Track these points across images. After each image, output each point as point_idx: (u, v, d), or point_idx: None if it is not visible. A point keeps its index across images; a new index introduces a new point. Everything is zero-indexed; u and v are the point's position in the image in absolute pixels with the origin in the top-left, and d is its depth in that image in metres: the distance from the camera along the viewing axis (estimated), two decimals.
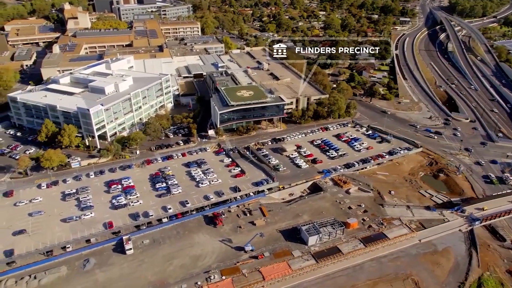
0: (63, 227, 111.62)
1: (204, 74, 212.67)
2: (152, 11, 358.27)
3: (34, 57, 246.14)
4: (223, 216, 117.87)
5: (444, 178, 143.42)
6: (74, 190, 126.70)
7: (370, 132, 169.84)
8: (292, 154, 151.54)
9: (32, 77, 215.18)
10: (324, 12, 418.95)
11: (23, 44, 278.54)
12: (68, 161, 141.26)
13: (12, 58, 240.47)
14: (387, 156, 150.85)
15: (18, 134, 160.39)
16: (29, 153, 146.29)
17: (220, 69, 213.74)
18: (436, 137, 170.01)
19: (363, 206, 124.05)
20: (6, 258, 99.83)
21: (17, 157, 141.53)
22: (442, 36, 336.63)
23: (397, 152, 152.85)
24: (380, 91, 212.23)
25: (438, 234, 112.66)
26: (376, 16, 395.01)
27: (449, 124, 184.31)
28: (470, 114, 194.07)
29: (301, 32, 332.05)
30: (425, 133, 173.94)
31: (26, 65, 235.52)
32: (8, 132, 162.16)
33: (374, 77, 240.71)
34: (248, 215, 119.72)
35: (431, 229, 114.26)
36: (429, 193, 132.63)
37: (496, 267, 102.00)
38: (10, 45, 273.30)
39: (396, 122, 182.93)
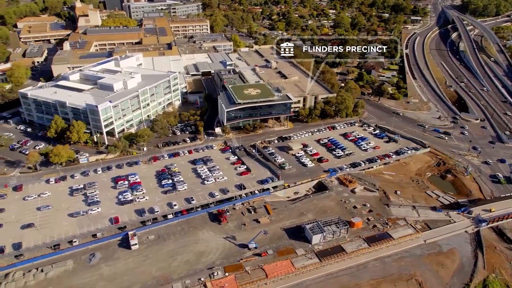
0: (70, 221, 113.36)
1: (212, 72, 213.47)
2: (162, 9, 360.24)
3: (45, 54, 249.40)
4: (227, 213, 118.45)
5: (451, 178, 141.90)
6: (82, 186, 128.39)
7: (377, 131, 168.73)
8: (298, 153, 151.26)
9: (43, 73, 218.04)
10: (334, 11, 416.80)
11: (35, 41, 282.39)
12: (77, 157, 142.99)
13: (24, 55, 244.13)
14: (394, 156, 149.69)
15: (29, 129, 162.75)
16: (39, 148, 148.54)
17: (228, 67, 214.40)
18: (446, 138, 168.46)
19: (368, 205, 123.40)
20: (15, 251, 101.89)
21: (27, 152, 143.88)
22: (454, 35, 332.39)
23: (404, 152, 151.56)
24: (389, 91, 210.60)
25: (443, 235, 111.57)
26: (386, 15, 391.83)
27: (457, 123, 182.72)
28: (480, 114, 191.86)
29: (310, 30, 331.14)
30: (434, 133, 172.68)
31: (38, 62, 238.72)
32: (18, 128, 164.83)
33: (383, 76, 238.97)
34: (252, 212, 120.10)
35: (436, 230, 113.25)
36: (436, 194, 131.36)
37: (502, 269, 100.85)
38: (22, 42, 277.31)
39: (404, 122, 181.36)
